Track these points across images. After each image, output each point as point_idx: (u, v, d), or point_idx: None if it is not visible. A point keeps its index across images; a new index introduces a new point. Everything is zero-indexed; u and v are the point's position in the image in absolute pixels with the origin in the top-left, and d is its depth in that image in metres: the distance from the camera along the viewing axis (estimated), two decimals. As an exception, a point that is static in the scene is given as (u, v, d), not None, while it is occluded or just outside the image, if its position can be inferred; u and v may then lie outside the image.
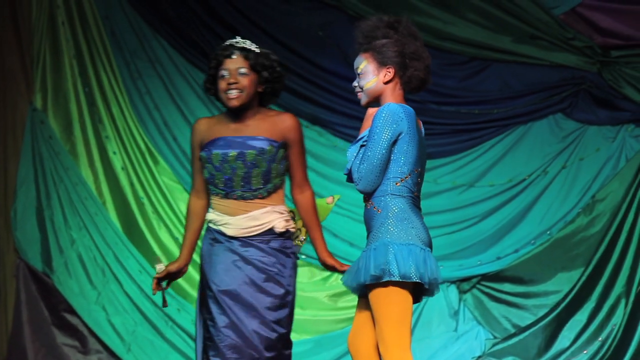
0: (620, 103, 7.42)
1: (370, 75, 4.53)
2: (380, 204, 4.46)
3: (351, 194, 7.60)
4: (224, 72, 4.72)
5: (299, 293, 7.53)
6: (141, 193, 7.66)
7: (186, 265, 4.89)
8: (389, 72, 4.52)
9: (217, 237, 4.78)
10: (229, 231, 4.74)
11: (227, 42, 4.80)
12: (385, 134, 4.40)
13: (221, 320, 4.68)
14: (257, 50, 4.79)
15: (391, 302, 4.37)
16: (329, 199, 5.31)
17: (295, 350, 7.36)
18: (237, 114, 4.76)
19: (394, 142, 4.42)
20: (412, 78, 4.53)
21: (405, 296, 4.39)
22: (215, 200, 4.80)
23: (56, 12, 7.73)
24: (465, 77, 7.68)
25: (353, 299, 7.56)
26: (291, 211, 4.94)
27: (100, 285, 7.54)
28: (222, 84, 4.72)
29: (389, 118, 4.41)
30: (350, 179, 4.53)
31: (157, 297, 7.43)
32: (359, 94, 4.59)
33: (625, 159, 7.40)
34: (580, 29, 7.48)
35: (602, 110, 7.45)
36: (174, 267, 4.86)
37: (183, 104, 7.69)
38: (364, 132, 4.53)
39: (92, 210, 7.61)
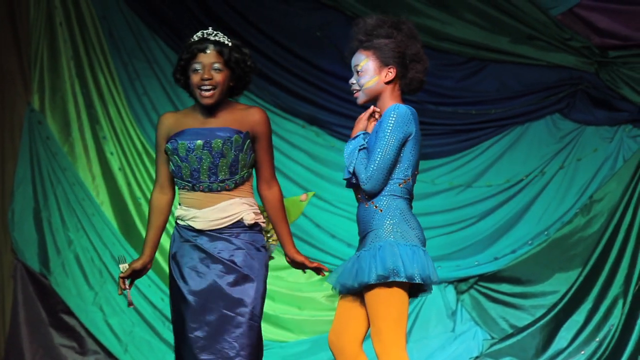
0: (617, 103, 7.42)
1: (371, 74, 4.50)
2: (382, 203, 4.45)
3: (349, 194, 7.61)
4: (197, 67, 4.63)
5: (296, 294, 7.58)
6: (138, 193, 7.66)
7: (150, 261, 4.81)
8: (391, 72, 4.50)
9: (183, 234, 4.70)
10: (198, 225, 4.66)
11: (200, 34, 4.71)
12: (396, 135, 4.39)
13: (191, 321, 4.63)
14: (230, 44, 4.69)
15: (392, 302, 4.37)
16: (303, 196, 5.26)
17: (292, 350, 7.43)
18: (206, 107, 4.71)
19: (402, 144, 4.42)
20: (414, 80, 4.52)
21: (405, 297, 4.40)
22: (182, 194, 4.73)
23: (54, 13, 7.73)
24: (463, 78, 7.68)
25: (350, 300, 7.56)
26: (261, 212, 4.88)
27: (98, 285, 7.54)
28: (196, 79, 4.64)
29: (400, 120, 4.40)
30: (349, 184, 4.52)
31: (156, 298, 7.51)
32: (356, 92, 4.57)
33: (622, 159, 7.39)
34: (577, 29, 7.47)
35: (599, 110, 7.44)
36: (138, 265, 4.78)
37: (180, 105, 7.67)
38: (357, 134, 4.52)
39: (89, 210, 7.60)
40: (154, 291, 7.47)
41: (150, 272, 7.43)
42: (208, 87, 4.63)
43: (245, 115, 4.71)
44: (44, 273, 7.55)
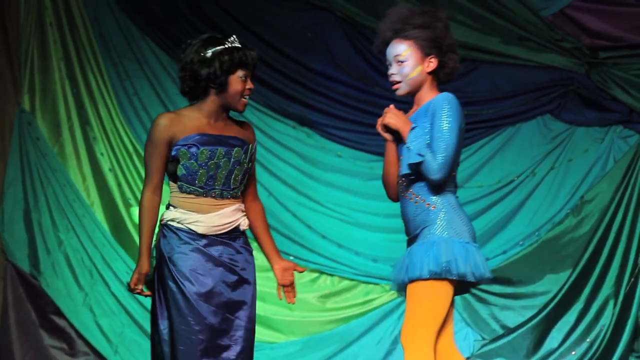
0: (608, 104, 7.42)
1: (414, 64, 4.40)
2: (433, 199, 4.37)
3: (341, 195, 7.62)
4: (242, 75, 4.64)
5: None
6: (129, 194, 7.64)
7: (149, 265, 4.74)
8: (432, 62, 4.42)
9: (182, 237, 4.68)
10: (200, 229, 4.66)
11: (238, 43, 4.69)
12: (457, 123, 4.31)
13: (195, 324, 4.61)
14: None
15: (437, 297, 4.31)
16: None
17: (283, 351, 7.42)
18: (210, 113, 4.70)
19: None
20: (454, 70, 4.47)
21: (450, 294, 4.35)
22: (183, 198, 4.69)
23: (44, 14, 7.71)
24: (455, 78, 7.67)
25: (342, 301, 7.55)
26: None
27: (88, 286, 7.52)
28: (240, 86, 4.63)
29: (455, 109, 4.33)
30: (407, 175, 4.36)
31: (147, 299, 7.50)
32: (397, 83, 4.45)
33: (613, 160, 7.40)
34: (568, 30, 7.48)
35: (590, 111, 7.45)
36: (145, 270, 4.68)
37: (171, 106, 7.67)
38: (412, 126, 4.39)
39: (79, 211, 7.58)
40: (144, 292, 7.45)
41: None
42: (247, 97, 4.67)
43: (244, 127, 4.79)
44: (34, 274, 7.53)
